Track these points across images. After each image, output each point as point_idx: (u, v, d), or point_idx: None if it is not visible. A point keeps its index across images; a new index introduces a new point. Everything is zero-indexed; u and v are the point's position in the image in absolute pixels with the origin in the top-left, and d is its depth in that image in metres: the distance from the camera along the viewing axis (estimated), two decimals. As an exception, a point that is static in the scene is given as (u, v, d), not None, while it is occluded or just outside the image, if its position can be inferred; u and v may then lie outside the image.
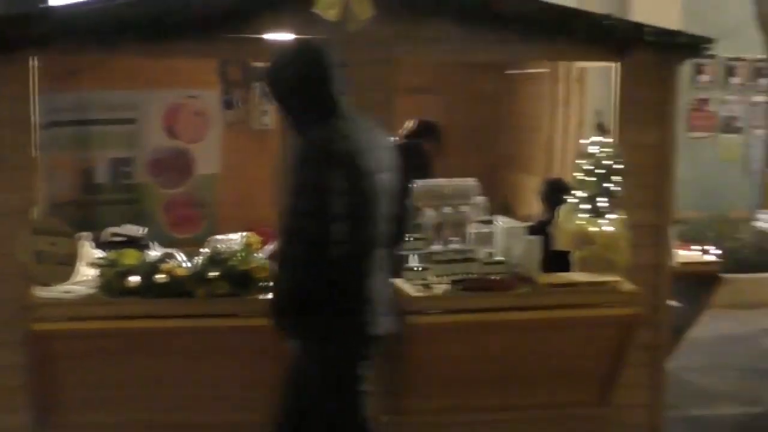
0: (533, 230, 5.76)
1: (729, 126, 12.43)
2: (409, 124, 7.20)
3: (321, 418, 4.03)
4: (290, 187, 3.73)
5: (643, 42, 5.38)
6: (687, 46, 5.44)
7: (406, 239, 4.23)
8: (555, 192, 6.04)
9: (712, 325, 8.90)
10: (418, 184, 5.59)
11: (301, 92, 3.85)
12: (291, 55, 3.93)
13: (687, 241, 8.15)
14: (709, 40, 5.46)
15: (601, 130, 5.46)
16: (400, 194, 4.14)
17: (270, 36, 5.18)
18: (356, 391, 4.01)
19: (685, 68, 12.48)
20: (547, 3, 5.33)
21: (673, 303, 6.06)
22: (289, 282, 3.70)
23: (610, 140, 5.48)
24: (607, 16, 5.34)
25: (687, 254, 6.39)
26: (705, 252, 6.44)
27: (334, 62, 3.93)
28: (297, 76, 3.85)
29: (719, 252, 9.27)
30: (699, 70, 12.77)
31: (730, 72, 12.89)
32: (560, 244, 5.58)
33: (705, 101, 12.92)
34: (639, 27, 5.41)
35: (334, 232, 3.64)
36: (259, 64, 5.12)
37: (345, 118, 3.87)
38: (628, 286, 5.43)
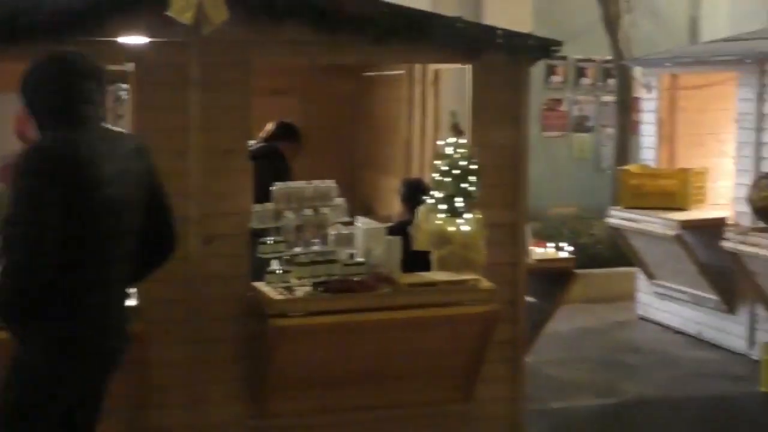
0: (393, 231, 5.80)
1: (581, 125, 12.76)
2: (269, 127, 7.18)
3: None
4: (10, 195, 3.64)
5: (495, 44, 5.49)
6: (537, 48, 5.58)
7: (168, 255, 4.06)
8: (414, 192, 6.10)
9: (568, 320, 9.16)
10: (278, 186, 5.59)
11: (41, 100, 3.80)
12: (36, 64, 3.87)
13: (543, 238, 8.36)
14: (557, 42, 5.60)
15: (457, 131, 5.55)
16: (155, 207, 4.00)
17: (124, 39, 5.11)
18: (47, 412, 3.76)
19: (538, 69, 12.86)
20: (400, 6, 5.39)
21: (530, 299, 6.21)
22: (7, 290, 3.62)
23: (465, 141, 5.57)
24: (459, 19, 5.43)
25: (542, 251, 6.55)
26: (559, 249, 6.61)
27: (82, 72, 3.83)
28: (38, 84, 3.81)
29: (573, 249, 9.55)
30: (551, 71, 13.06)
31: (581, 73, 13.22)
32: (420, 244, 5.64)
33: (557, 101, 13.23)
34: (490, 30, 5.53)
35: (46, 242, 3.57)
36: (114, 68, 5.02)
37: (86, 127, 3.78)
38: (486, 283, 5.53)
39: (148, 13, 5.07)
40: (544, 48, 5.61)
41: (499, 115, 5.73)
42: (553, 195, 12.04)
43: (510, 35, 5.50)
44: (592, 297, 9.88)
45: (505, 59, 5.62)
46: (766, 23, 13.31)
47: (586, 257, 10.12)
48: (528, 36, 5.56)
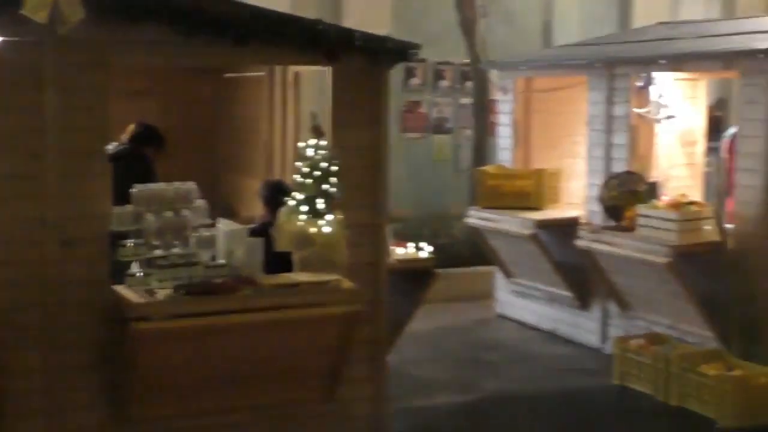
0: (255, 232, 5.80)
1: (440, 127, 12.95)
2: (130, 128, 7.09)
3: None
4: None
5: (354, 47, 5.54)
6: (395, 50, 5.65)
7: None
8: (275, 194, 6.11)
9: (430, 319, 9.28)
10: (139, 188, 5.52)
11: None
12: None
13: (404, 238, 8.46)
14: (415, 45, 5.70)
15: (317, 132, 5.58)
16: None
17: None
18: None
19: (397, 72, 12.96)
20: (260, 8, 5.39)
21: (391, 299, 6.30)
22: None
23: (326, 143, 5.61)
24: (318, 21, 5.46)
25: (403, 251, 6.63)
26: (419, 249, 6.70)
27: None
28: None
29: (433, 248, 9.67)
30: (410, 74, 13.21)
31: (440, 75, 13.41)
32: (282, 245, 5.65)
33: (417, 103, 13.38)
34: (349, 32, 5.57)
35: None
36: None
37: None
38: (347, 284, 5.57)
39: (0, 11, 4.94)
40: (402, 51, 5.69)
41: (359, 117, 5.79)
42: (413, 196, 12.20)
43: (368, 38, 5.57)
44: (453, 296, 10.03)
45: (364, 62, 5.68)
46: (616, 28, 13.79)
47: (447, 257, 10.26)
48: (386, 39, 5.64)
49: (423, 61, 13.19)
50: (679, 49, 7.97)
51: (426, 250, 6.68)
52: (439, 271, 8.85)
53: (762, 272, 6.82)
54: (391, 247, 6.47)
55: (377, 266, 5.95)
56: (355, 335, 5.64)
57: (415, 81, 13.25)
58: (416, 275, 6.59)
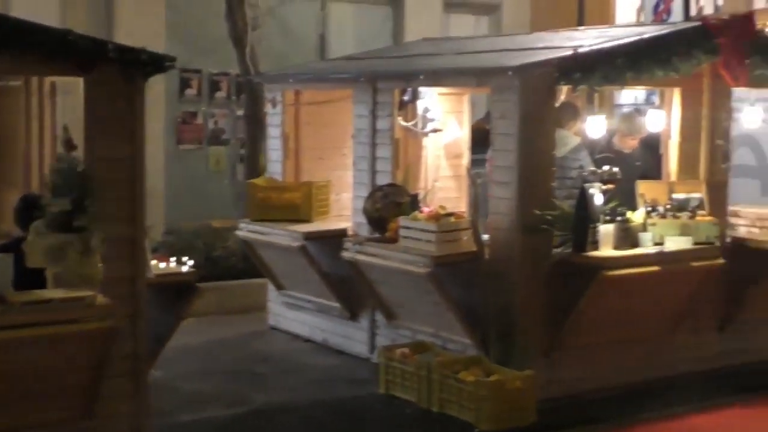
0: (6, 248, 5.63)
1: (216, 138, 12.92)
2: None
3: None
4: None
5: (107, 58, 5.45)
6: (150, 62, 5.59)
7: None
8: (28, 208, 5.93)
9: (202, 332, 9.23)
10: None
11: None
12: None
13: (177, 251, 8.36)
14: (171, 58, 5.65)
15: (69, 145, 5.47)
16: None
17: None
18: None
19: (172, 82, 12.83)
20: (6, 16, 5.23)
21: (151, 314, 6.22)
22: None
23: (78, 155, 5.48)
24: (69, 32, 5.34)
25: (164, 266, 6.55)
26: (181, 263, 6.64)
27: None
28: None
29: (207, 261, 9.61)
30: (186, 84, 13.10)
31: (216, 86, 13.35)
32: (34, 261, 5.49)
33: (193, 114, 13.28)
34: (102, 43, 5.47)
35: None
36: None
37: None
38: (102, 299, 5.46)
39: None
40: (158, 62, 5.63)
41: (114, 129, 5.69)
42: (189, 208, 12.09)
43: (122, 49, 5.49)
44: (226, 309, 9.99)
45: (119, 73, 5.59)
46: (390, 42, 14.09)
47: (221, 270, 10.23)
48: (141, 51, 5.56)
49: (198, 71, 13.12)
50: (437, 65, 8.20)
51: (188, 264, 6.62)
52: (209, 284, 8.87)
53: (516, 281, 7.10)
54: (152, 261, 6.38)
55: (135, 281, 5.85)
56: (112, 351, 5.53)
57: (190, 92, 13.14)
58: (177, 289, 6.52)
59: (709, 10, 21.59)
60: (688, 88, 7.96)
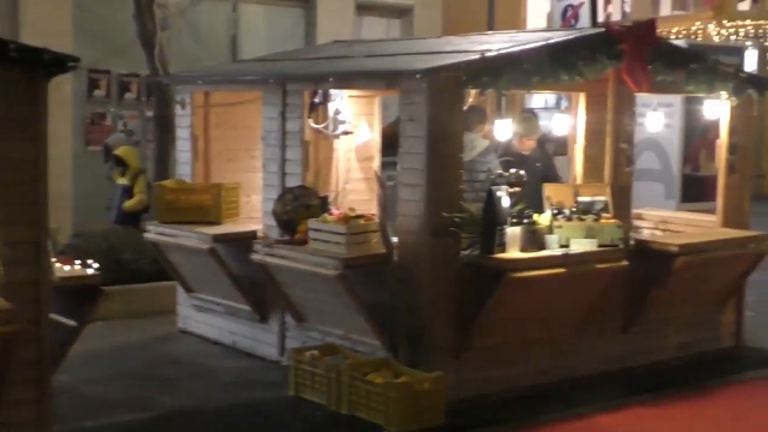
0: None
1: (127, 140, 12.74)
2: None
3: None
4: None
5: (9, 58, 5.34)
6: (52, 62, 5.49)
7: None
8: None
9: (110, 337, 9.12)
10: None
11: None
12: None
13: (85, 253, 8.24)
14: (75, 58, 5.56)
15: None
16: None
17: None
18: None
19: (80, 83, 12.67)
20: None
21: (59, 318, 6.12)
22: None
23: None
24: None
25: (69, 269, 6.45)
26: (86, 266, 6.54)
27: None
28: None
29: (115, 264, 9.48)
30: (94, 85, 12.95)
31: (126, 87, 13.22)
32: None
33: (102, 115, 13.13)
34: (2, 43, 5.36)
35: None
36: None
37: None
38: (3, 304, 5.35)
39: None
40: (61, 62, 5.53)
41: (17, 130, 5.56)
42: (99, 210, 11.93)
43: (24, 49, 5.38)
44: (135, 312, 9.88)
45: (21, 74, 5.48)
46: (302, 44, 14.10)
47: (129, 272, 10.10)
48: (43, 50, 5.46)
49: (107, 72, 12.99)
50: (347, 68, 8.21)
51: (93, 266, 6.52)
52: (116, 287, 8.78)
53: (425, 283, 7.14)
54: (57, 264, 6.28)
55: (39, 284, 5.74)
56: (14, 357, 5.42)
57: (99, 93, 13.00)
58: (82, 292, 6.42)
59: (617, 17, 22.12)
60: (593, 93, 8.12)
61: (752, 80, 8.94)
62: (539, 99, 16.53)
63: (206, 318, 9.20)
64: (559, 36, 7.91)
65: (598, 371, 8.05)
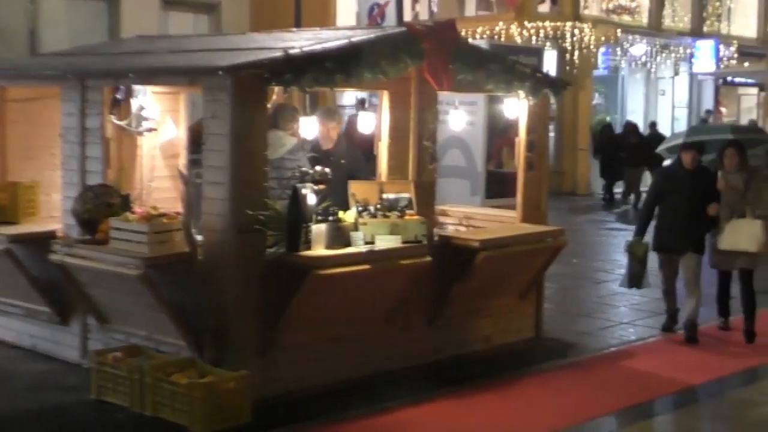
0: None
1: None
2: None
3: None
4: None
5: None
6: None
7: None
8: None
9: None
10: None
11: None
12: None
13: None
14: None
15: None
16: None
17: None
18: None
19: None
20: None
21: None
22: None
23: None
24: None
25: None
26: None
27: None
28: None
29: None
30: None
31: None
32: None
33: None
34: None
35: None
36: None
37: None
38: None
39: None
40: None
41: None
42: None
43: None
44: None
45: None
46: (107, 38, 13.79)
47: None
48: None
49: None
50: (148, 64, 8.05)
51: None
52: None
53: (229, 281, 7.09)
54: None
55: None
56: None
57: None
58: None
59: (424, 17, 22.54)
60: (397, 91, 8.23)
61: (548, 80, 9.27)
62: (350, 96, 16.67)
63: (3, 321, 8.85)
64: (361, 35, 7.98)
65: (405, 365, 8.18)
